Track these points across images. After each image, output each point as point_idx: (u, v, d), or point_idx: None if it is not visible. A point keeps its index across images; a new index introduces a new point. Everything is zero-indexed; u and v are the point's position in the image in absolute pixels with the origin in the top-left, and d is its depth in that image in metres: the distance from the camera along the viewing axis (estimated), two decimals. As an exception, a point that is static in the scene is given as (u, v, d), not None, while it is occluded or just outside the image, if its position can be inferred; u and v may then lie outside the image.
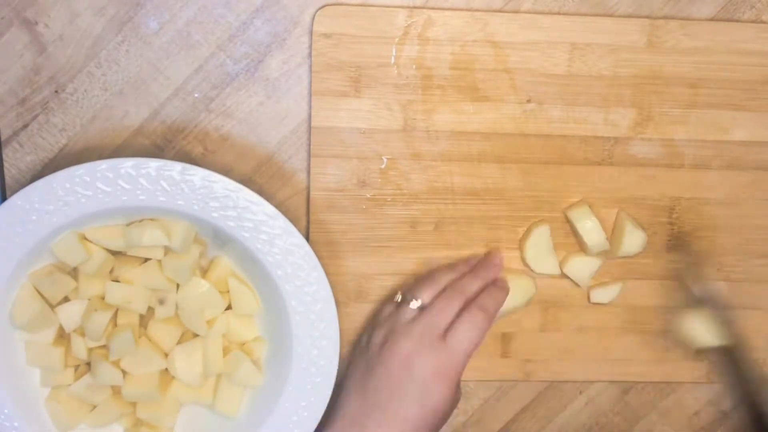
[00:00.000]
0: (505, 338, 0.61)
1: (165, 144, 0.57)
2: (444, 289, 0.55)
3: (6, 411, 0.55)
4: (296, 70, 0.57)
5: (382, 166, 0.58)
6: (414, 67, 0.56)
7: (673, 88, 0.58)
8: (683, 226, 0.60)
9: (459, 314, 0.54)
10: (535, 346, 0.61)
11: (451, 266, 0.57)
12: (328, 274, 0.55)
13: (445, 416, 0.54)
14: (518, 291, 0.58)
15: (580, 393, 0.64)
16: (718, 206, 0.60)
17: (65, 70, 0.56)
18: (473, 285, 0.56)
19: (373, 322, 0.57)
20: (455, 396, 0.54)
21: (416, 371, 0.52)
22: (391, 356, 0.53)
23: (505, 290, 0.57)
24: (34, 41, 0.55)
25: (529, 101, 0.58)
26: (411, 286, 0.56)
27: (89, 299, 0.55)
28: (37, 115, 0.56)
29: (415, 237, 0.59)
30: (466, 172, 0.58)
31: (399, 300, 0.55)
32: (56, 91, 0.56)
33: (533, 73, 0.57)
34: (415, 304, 0.54)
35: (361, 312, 0.60)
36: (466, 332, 0.53)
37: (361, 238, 0.58)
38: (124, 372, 0.56)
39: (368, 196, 0.58)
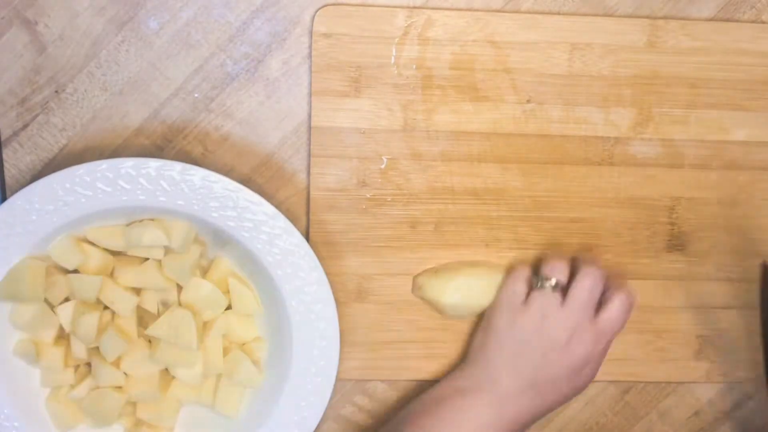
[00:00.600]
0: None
1: (165, 144, 0.57)
2: (578, 268, 0.56)
3: (6, 411, 0.55)
4: (296, 70, 0.57)
5: (382, 166, 0.58)
6: (414, 67, 0.56)
7: (673, 88, 0.58)
8: (683, 226, 0.60)
9: (607, 295, 0.55)
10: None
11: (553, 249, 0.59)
12: (328, 274, 0.55)
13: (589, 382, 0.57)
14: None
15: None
16: (718, 206, 0.60)
17: (65, 70, 0.56)
18: (599, 263, 0.57)
19: (506, 304, 0.56)
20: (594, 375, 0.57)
21: (577, 357, 0.54)
22: (550, 345, 0.54)
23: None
24: (34, 41, 0.55)
25: (529, 101, 0.58)
26: (541, 266, 0.56)
27: (78, 301, 0.54)
28: (37, 115, 0.56)
29: (415, 237, 0.59)
30: (466, 172, 0.58)
31: (538, 284, 0.56)
32: (56, 91, 0.56)
33: (533, 73, 0.57)
34: (554, 285, 0.55)
35: (361, 312, 0.59)
36: (618, 311, 0.55)
37: (361, 238, 0.58)
38: (125, 373, 0.56)
39: (368, 196, 0.58)
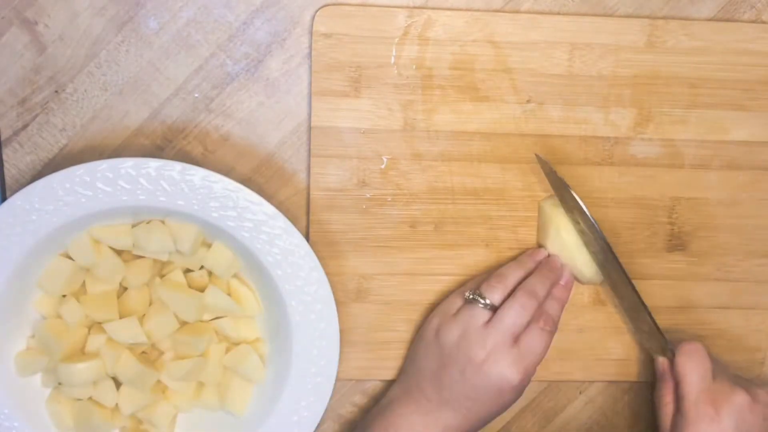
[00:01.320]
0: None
1: (165, 144, 0.57)
2: (514, 290, 0.56)
3: (6, 411, 0.55)
4: (296, 70, 0.57)
5: (382, 166, 0.58)
6: (414, 67, 0.56)
7: (673, 88, 0.58)
8: (683, 226, 0.60)
9: (529, 322, 0.55)
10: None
11: (518, 262, 0.58)
12: (328, 274, 0.55)
13: (514, 402, 0.56)
14: None
15: (580, 393, 0.64)
16: (718, 206, 0.60)
17: (65, 70, 0.56)
18: (542, 288, 0.56)
19: (440, 314, 0.57)
20: (524, 389, 0.56)
21: (492, 379, 0.54)
22: (467, 361, 0.54)
23: (569, 290, 0.58)
24: (34, 41, 0.55)
25: (529, 101, 0.58)
26: (480, 282, 0.56)
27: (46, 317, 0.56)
28: (37, 115, 0.56)
29: (415, 237, 0.59)
30: (466, 172, 0.58)
31: (470, 297, 0.56)
32: (56, 91, 0.56)
33: (533, 73, 0.57)
34: (485, 304, 0.55)
35: (361, 312, 0.60)
36: (537, 341, 0.55)
37: (361, 238, 0.59)
38: (120, 385, 0.56)
39: (368, 196, 0.58)
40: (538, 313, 0.55)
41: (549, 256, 0.58)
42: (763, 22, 0.59)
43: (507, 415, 0.64)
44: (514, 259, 0.59)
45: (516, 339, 0.54)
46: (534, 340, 0.54)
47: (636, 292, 0.56)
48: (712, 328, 0.62)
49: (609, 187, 0.59)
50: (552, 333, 0.56)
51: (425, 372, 0.56)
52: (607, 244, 0.55)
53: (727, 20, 0.58)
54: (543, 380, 0.63)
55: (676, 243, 0.61)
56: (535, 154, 0.57)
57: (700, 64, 0.58)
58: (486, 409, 0.55)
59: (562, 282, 0.57)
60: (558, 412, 0.64)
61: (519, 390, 0.55)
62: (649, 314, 0.57)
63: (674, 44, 0.58)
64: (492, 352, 0.53)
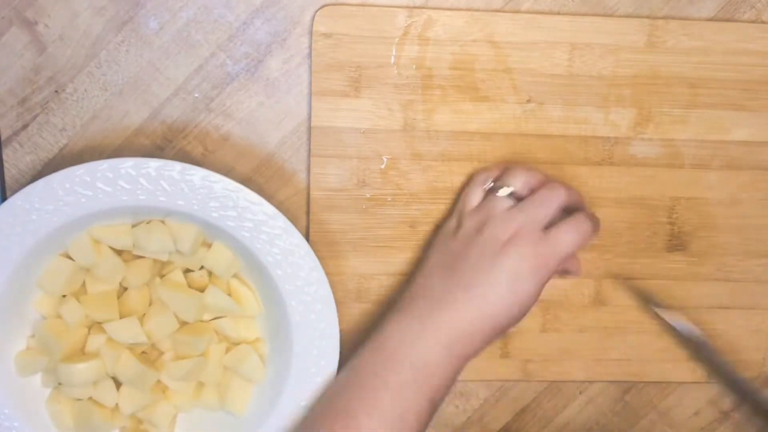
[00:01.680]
0: (505, 338, 0.61)
1: (165, 144, 0.57)
2: (540, 184, 0.54)
3: (6, 411, 0.55)
4: (296, 70, 0.57)
5: (382, 166, 0.58)
6: (414, 67, 0.57)
7: (673, 88, 0.58)
8: (683, 226, 0.60)
9: (564, 215, 0.53)
10: (536, 346, 0.61)
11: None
12: (328, 274, 0.55)
13: (522, 315, 0.52)
14: None
15: (580, 393, 0.64)
16: (718, 206, 0.60)
17: (65, 70, 0.56)
18: (569, 193, 0.54)
19: (460, 209, 0.55)
20: (537, 297, 0.52)
21: (512, 260, 0.50)
22: (489, 241, 0.51)
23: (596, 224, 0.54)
24: (34, 41, 0.55)
25: (529, 101, 0.58)
26: (501, 173, 0.55)
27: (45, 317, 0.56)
28: (37, 115, 0.57)
29: (415, 237, 0.59)
30: (466, 172, 0.58)
31: (489, 187, 0.54)
32: (56, 91, 0.56)
33: (533, 73, 0.57)
34: (506, 191, 0.53)
35: (361, 312, 0.60)
36: (570, 233, 0.52)
37: (360, 238, 0.59)
38: (120, 385, 0.56)
39: (368, 196, 0.58)
40: (574, 212, 0.53)
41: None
42: (763, 22, 0.59)
43: (507, 416, 0.64)
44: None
45: (544, 230, 0.51)
46: (563, 232, 0.51)
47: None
48: (712, 328, 0.62)
49: (609, 187, 0.59)
50: (585, 235, 0.52)
51: (437, 267, 0.53)
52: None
53: (727, 20, 0.58)
54: (543, 380, 0.63)
55: (676, 243, 0.61)
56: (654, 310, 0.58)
57: (700, 64, 0.58)
58: (500, 297, 0.50)
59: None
60: (558, 412, 0.64)
61: (535, 286, 0.51)
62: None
63: (674, 44, 0.58)
64: (516, 234, 0.51)
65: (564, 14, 0.57)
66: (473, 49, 0.57)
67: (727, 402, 0.65)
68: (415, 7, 0.56)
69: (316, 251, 0.55)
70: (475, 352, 0.51)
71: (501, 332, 0.52)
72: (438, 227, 0.58)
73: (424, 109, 0.57)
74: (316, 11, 0.55)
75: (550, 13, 0.57)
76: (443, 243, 0.55)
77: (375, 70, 0.56)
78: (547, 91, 0.58)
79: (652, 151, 0.59)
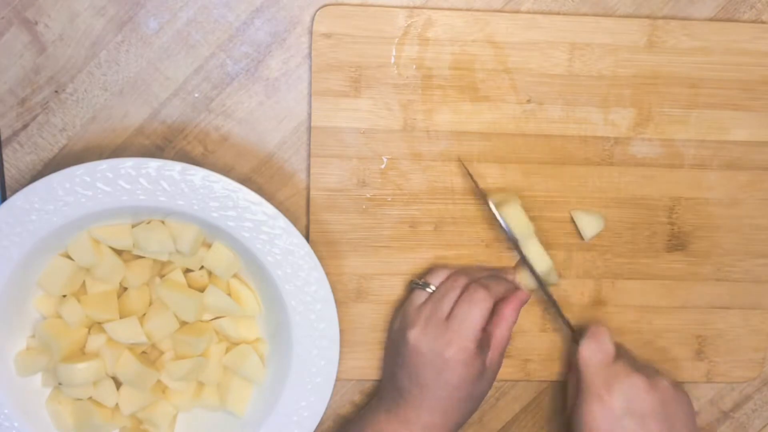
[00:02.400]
0: (505, 338, 0.61)
1: (165, 144, 0.58)
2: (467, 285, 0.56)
3: (6, 411, 0.55)
4: (296, 70, 0.57)
5: (382, 166, 0.58)
6: (414, 67, 0.57)
7: (673, 88, 0.59)
8: (683, 226, 0.61)
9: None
10: (535, 345, 0.62)
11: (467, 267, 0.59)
12: (328, 274, 0.55)
13: (471, 393, 0.55)
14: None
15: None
16: (718, 206, 0.61)
17: (65, 70, 0.56)
18: (482, 272, 0.57)
19: (404, 310, 0.58)
20: (476, 372, 0.55)
21: (427, 355, 0.54)
22: (405, 344, 0.55)
23: (516, 310, 0.57)
24: (34, 41, 0.55)
25: (529, 101, 0.58)
26: (427, 272, 0.58)
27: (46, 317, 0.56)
28: (37, 115, 0.57)
29: (415, 237, 0.59)
30: (465, 172, 0.59)
31: (416, 286, 0.57)
32: (56, 91, 0.56)
33: (533, 73, 0.58)
34: (426, 288, 0.56)
35: (361, 312, 0.60)
36: (464, 311, 0.54)
37: (361, 238, 0.59)
38: (120, 385, 0.56)
39: (368, 196, 0.58)
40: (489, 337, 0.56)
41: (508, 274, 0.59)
42: (763, 22, 0.59)
43: (507, 415, 0.64)
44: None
45: (448, 316, 0.54)
46: (459, 312, 0.54)
47: (541, 284, 0.57)
48: (712, 329, 0.62)
49: (609, 186, 0.60)
50: (481, 305, 0.54)
51: (384, 369, 0.57)
52: (515, 241, 0.56)
53: (727, 20, 0.59)
54: (543, 380, 0.63)
55: (676, 243, 0.61)
56: (459, 159, 0.58)
57: (700, 64, 0.58)
58: (435, 394, 0.54)
59: (513, 300, 0.57)
60: (558, 412, 0.64)
61: (457, 368, 0.54)
62: (554, 304, 0.58)
63: (674, 44, 0.58)
64: (423, 330, 0.54)
65: (564, 14, 0.58)
66: (473, 49, 0.57)
67: (727, 402, 0.65)
68: (415, 7, 0.56)
69: (316, 251, 0.55)
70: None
71: (468, 412, 0.57)
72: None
73: (424, 109, 0.58)
74: (316, 11, 0.56)
75: (550, 13, 0.58)
76: (387, 344, 0.59)
77: (375, 70, 0.57)
78: (547, 91, 0.58)
79: (652, 151, 0.60)
